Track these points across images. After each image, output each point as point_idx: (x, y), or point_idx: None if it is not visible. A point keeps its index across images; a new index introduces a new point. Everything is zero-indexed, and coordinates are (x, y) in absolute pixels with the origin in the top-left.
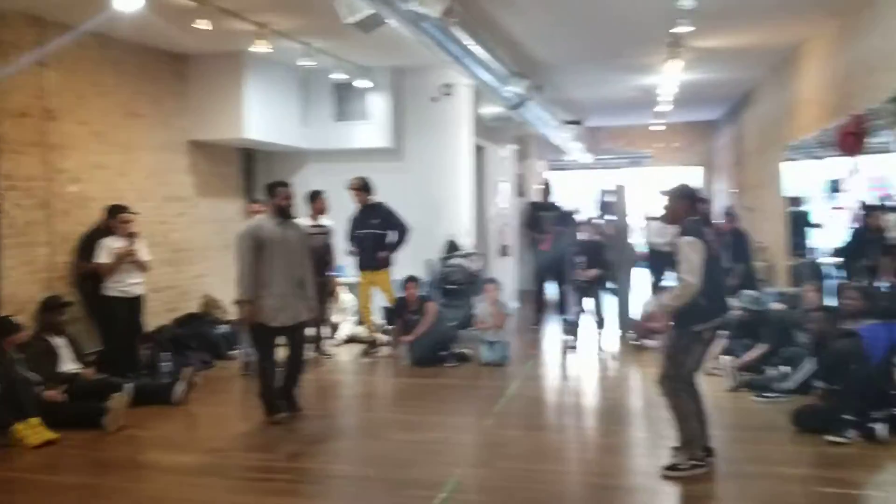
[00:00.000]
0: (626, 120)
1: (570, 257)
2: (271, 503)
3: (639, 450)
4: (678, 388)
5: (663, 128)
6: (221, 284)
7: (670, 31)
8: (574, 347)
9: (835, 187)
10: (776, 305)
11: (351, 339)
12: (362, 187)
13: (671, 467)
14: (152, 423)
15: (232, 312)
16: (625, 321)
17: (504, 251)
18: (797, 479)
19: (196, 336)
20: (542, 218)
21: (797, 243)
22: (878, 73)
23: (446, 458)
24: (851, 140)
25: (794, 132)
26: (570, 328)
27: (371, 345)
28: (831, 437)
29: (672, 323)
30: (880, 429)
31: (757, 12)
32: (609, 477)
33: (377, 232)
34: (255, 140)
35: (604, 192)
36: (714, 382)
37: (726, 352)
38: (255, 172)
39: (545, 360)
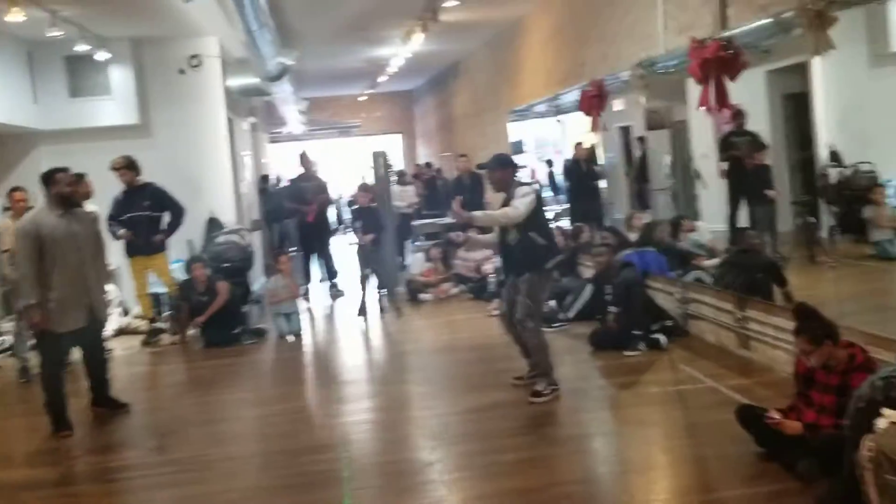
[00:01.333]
0: (334, 91)
1: (332, 226)
2: (178, 495)
3: (477, 382)
4: (538, 324)
5: (365, 98)
6: None
7: (443, 4)
8: (363, 308)
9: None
10: None
11: (120, 332)
12: (129, 166)
13: (535, 394)
14: None
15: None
16: (393, 280)
17: (255, 225)
18: (618, 385)
19: None
20: (304, 189)
21: None
22: (616, 43)
23: (319, 421)
24: (594, 102)
25: (518, 98)
26: (338, 293)
27: (152, 333)
28: (628, 352)
29: (526, 272)
30: (662, 339)
31: None
32: (477, 411)
33: (151, 214)
34: None
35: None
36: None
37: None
38: None
39: (339, 325)
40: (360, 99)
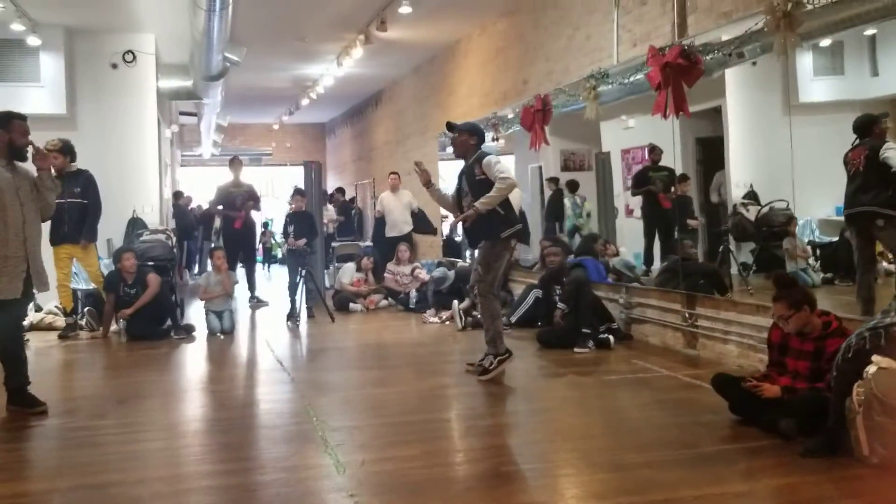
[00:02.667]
0: (249, 118)
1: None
2: (148, 449)
3: (433, 370)
4: (490, 291)
5: (278, 127)
6: None
7: (399, 9)
8: (292, 313)
9: None
10: (461, 264)
11: (32, 328)
12: (63, 150)
13: (483, 371)
14: None
15: None
16: (323, 286)
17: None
18: (576, 373)
19: None
20: (234, 195)
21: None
22: (564, 59)
23: (271, 397)
24: (538, 116)
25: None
26: (259, 304)
27: (69, 327)
28: (577, 349)
29: (483, 238)
30: (611, 338)
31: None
32: (439, 388)
33: (81, 201)
34: None
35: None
36: (441, 328)
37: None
38: None
39: (271, 327)
40: (274, 127)
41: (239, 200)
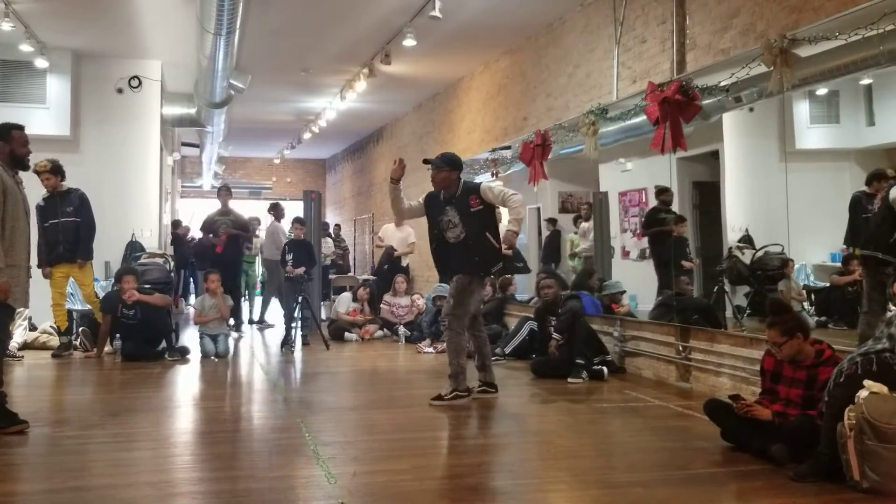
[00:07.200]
0: (251, 152)
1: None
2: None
3: (415, 396)
4: (460, 326)
5: (279, 161)
6: None
7: (403, 42)
8: (287, 340)
9: None
10: None
11: (26, 346)
12: (54, 170)
13: (436, 397)
14: None
15: None
16: (317, 317)
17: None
18: (569, 401)
19: None
20: (219, 223)
21: None
22: (564, 96)
23: (270, 413)
24: (537, 151)
25: None
26: (262, 327)
27: (63, 347)
28: (571, 379)
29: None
30: (605, 370)
31: (453, 43)
32: (429, 414)
33: (76, 220)
34: None
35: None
36: (435, 357)
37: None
38: None
39: (264, 353)
40: (275, 161)
41: (222, 228)
